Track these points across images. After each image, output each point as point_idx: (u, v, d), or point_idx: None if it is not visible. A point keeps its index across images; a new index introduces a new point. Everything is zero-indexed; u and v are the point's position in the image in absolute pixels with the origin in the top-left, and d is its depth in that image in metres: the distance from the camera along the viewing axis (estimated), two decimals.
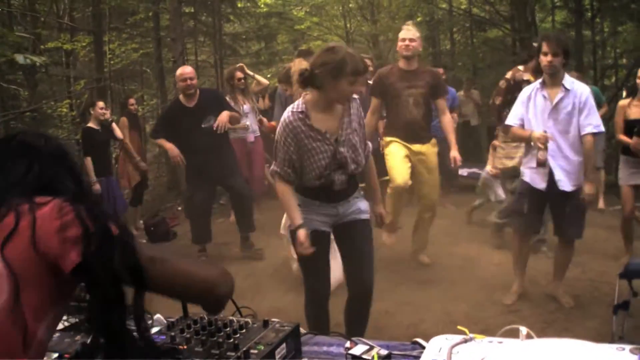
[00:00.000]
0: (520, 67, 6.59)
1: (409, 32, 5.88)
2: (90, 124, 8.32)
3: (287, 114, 3.68)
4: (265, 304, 5.56)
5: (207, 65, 16.48)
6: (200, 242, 7.20)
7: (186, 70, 6.91)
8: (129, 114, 9.38)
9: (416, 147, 5.94)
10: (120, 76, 15.80)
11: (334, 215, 3.87)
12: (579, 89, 4.93)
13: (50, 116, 13.89)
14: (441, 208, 7.92)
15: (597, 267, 5.94)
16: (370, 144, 4.03)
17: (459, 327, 1.88)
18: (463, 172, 9.27)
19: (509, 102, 6.56)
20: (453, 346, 1.74)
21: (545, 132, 4.83)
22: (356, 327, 4.01)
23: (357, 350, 1.95)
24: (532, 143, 4.95)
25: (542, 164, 4.86)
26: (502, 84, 6.75)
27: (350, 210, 3.87)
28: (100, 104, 8.56)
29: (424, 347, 1.99)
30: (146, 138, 12.37)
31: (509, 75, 6.69)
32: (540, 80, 5.07)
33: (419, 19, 15.68)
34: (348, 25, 16.11)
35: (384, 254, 6.03)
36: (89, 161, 8.15)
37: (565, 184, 4.98)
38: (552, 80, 4.93)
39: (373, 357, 1.90)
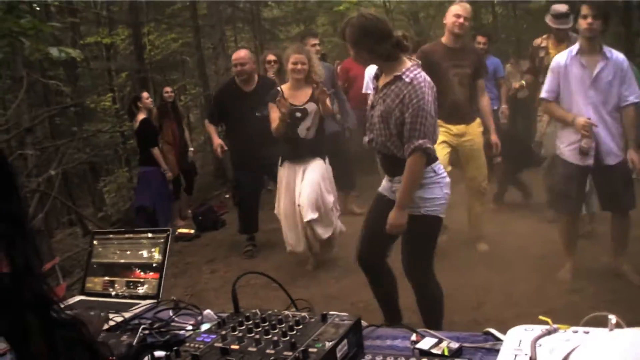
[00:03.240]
0: (544, 36, 6.41)
1: (465, 10, 5.57)
2: (143, 116, 8.30)
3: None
4: (319, 291, 5.48)
5: None
6: (248, 232, 7.14)
7: (240, 54, 6.74)
8: (161, 103, 9.30)
9: (460, 127, 5.69)
10: (161, 67, 15.82)
11: (388, 188, 3.79)
12: (618, 57, 4.71)
13: (94, 110, 14.02)
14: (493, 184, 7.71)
15: None
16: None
17: (541, 317, 1.69)
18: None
19: (531, 70, 6.48)
20: (537, 338, 1.56)
21: (589, 118, 4.62)
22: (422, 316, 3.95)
23: (425, 343, 1.79)
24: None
25: (586, 152, 4.65)
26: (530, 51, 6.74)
27: (396, 192, 3.67)
28: (146, 94, 8.60)
29: (497, 338, 1.82)
30: (190, 127, 12.37)
31: (533, 42, 6.63)
32: (575, 46, 4.83)
33: None
34: (387, 3, 15.79)
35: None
36: (157, 151, 8.20)
37: (611, 158, 4.78)
38: (590, 46, 4.70)
39: (443, 351, 1.73)
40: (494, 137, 5.82)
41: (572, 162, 4.89)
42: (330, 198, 5.82)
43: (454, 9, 5.60)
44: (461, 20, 5.52)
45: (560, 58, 4.89)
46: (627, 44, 11.39)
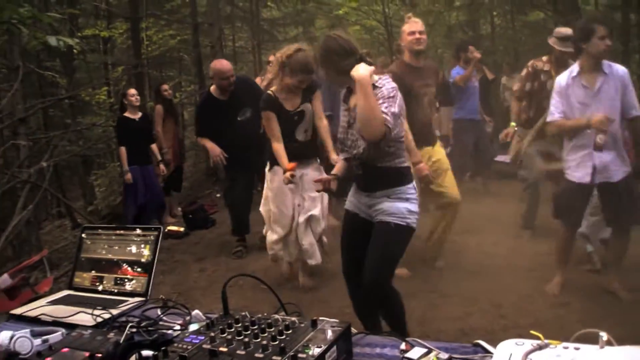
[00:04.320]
0: (544, 58, 6.33)
1: (417, 24, 5.47)
2: (127, 114, 8.31)
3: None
4: (306, 294, 5.46)
5: (245, 51, 16.40)
6: (240, 233, 7.13)
7: (226, 66, 6.69)
8: (163, 101, 9.28)
9: (427, 149, 5.60)
10: (158, 63, 15.80)
11: (364, 205, 3.82)
12: (618, 71, 4.70)
13: (89, 103, 13.98)
14: (484, 196, 7.72)
15: None
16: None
17: (532, 331, 1.69)
18: (500, 158, 8.96)
19: (526, 92, 6.36)
20: (527, 353, 1.55)
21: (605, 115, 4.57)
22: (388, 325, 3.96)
23: (414, 353, 1.78)
24: (589, 130, 4.71)
25: (600, 147, 4.61)
26: (524, 72, 6.51)
27: (375, 207, 3.73)
28: (132, 91, 8.55)
29: (486, 350, 1.82)
30: (184, 124, 12.35)
31: (530, 63, 6.44)
32: (575, 67, 4.83)
33: (457, 3, 15.40)
34: (386, 9, 15.82)
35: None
36: (122, 150, 8.16)
37: (615, 173, 4.77)
38: (593, 65, 4.70)
39: None
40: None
41: (578, 181, 4.88)
42: (326, 201, 5.74)
43: (406, 27, 5.51)
44: (416, 35, 5.41)
45: (562, 79, 4.89)
46: (625, 61, 11.44)
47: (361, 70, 3.47)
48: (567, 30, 6.07)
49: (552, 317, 4.64)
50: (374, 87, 3.51)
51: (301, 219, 5.46)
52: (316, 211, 5.47)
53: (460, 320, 4.69)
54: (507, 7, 15.49)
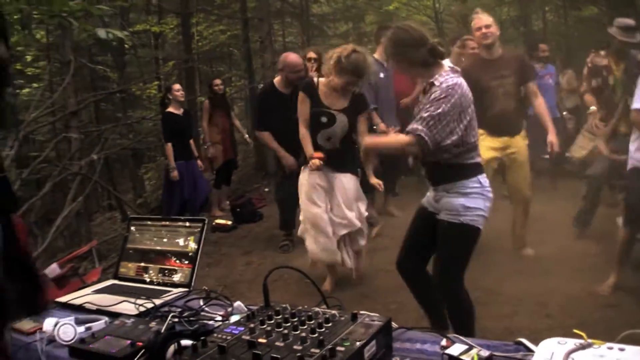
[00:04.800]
0: (602, 52, 6.18)
1: (481, 20, 5.51)
2: (171, 109, 8.35)
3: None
4: (352, 289, 5.45)
5: (294, 46, 16.42)
6: (287, 228, 7.13)
7: (298, 60, 6.62)
8: (215, 95, 9.33)
9: (504, 139, 5.63)
10: (208, 58, 15.91)
11: (432, 198, 3.79)
12: None
13: (139, 97, 14.15)
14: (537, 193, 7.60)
15: None
16: None
17: (575, 330, 1.65)
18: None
19: (593, 90, 6.21)
20: (569, 352, 1.52)
21: None
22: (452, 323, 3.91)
23: (455, 349, 1.76)
24: None
25: None
26: (585, 70, 6.39)
27: (439, 202, 3.70)
28: (177, 86, 8.61)
29: (528, 349, 1.78)
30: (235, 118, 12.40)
31: (589, 59, 6.30)
32: None
33: None
34: (437, 5, 15.69)
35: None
36: (169, 147, 8.20)
37: None
38: None
39: (473, 358, 1.70)
40: (550, 137, 5.52)
41: None
42: (363, 207, 5.47)
43: (473, 24, 5.57)
44: (483, 30, 5.47)
45: None
46: None
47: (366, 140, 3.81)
48: (629, 21, 5.93)
49: (600, 318, 4.54)
50: (432, 84, 3.50)
51: (341, 231, 5.28)
52: (355, 219, 5.26)
53: (507, 318, 4.63)
54: (560, 2, 15.23)
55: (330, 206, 5.28)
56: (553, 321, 4.49)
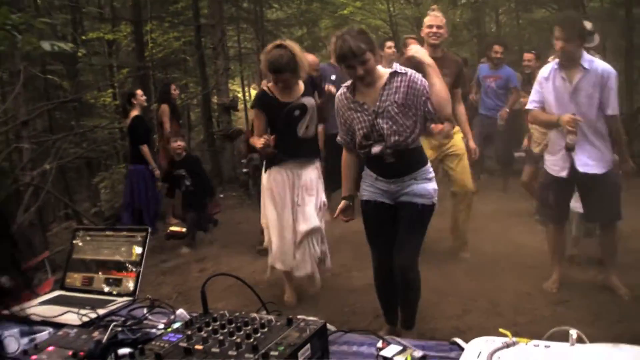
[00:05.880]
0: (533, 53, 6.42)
1: (436, 19, 5.62)
2: (136, 113, 8.33)
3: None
4: (307, 297, 5.46)
5: (250, 52, 16.41)
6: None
7: (316, 59, 6.74)
8: (170, 101, 9.30)
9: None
10: (163, 65, 15.83)
11: (389, 192, 3.94)
12: (598, 68, 4.66)
13: (94, 105, 14.01)
14: (488, 193, 7.71)
15: None
16: None
17: (500, 329, 1.70)
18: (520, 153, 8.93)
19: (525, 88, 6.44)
20: (493, 352, 1.57)
21: (574, 114, 4.59)
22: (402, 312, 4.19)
23: (390, 351, 1.80)
24: (559, 128, 4.74)
25: (571, 148, 4.64)
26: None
27: (403, 191, 3.88)
28: (140, 92, 8.58)
29: (462, 348, 1.83)
30: (190, 125, 12.35)
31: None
32: (556, 60, 4.85)
33: (463, 1, 15.37)
34: (391, 8, 15.78)
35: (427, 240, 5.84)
36: (146, 148, 8.20)
37: (593, 167, 4.77)
38: (569, 60, 4.71)
39: (406, 358, 1.74)
40: (471, 143, 5.91)
41: (556, 175, 4.93)
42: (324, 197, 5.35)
43: (426, 20, 5.68)
44: (434, 29, 5.59)
45: (544, 71, 4.93)
46: (628, 58, 11.42)
47: (422, 52, 3.88)
48: (587, 24, 6.03)
49: (550, 315, 4.64)
50: (397, 73, 3.74)
51: (302, 227, 5.08)
52: (316, 222, 5.10)
53: (457, 318, 4.70)
54: (512, 4, 15.45)
55: (291, 205, 5.15)
56: (504, 319, 4.56)
